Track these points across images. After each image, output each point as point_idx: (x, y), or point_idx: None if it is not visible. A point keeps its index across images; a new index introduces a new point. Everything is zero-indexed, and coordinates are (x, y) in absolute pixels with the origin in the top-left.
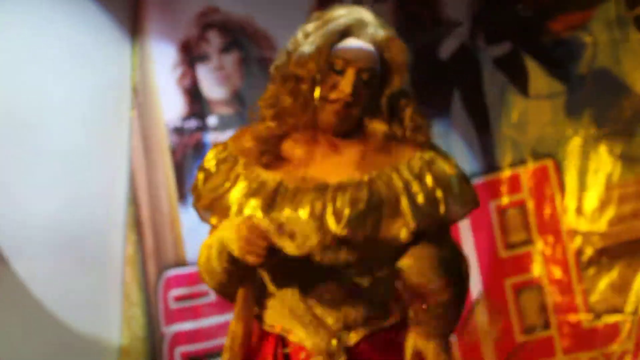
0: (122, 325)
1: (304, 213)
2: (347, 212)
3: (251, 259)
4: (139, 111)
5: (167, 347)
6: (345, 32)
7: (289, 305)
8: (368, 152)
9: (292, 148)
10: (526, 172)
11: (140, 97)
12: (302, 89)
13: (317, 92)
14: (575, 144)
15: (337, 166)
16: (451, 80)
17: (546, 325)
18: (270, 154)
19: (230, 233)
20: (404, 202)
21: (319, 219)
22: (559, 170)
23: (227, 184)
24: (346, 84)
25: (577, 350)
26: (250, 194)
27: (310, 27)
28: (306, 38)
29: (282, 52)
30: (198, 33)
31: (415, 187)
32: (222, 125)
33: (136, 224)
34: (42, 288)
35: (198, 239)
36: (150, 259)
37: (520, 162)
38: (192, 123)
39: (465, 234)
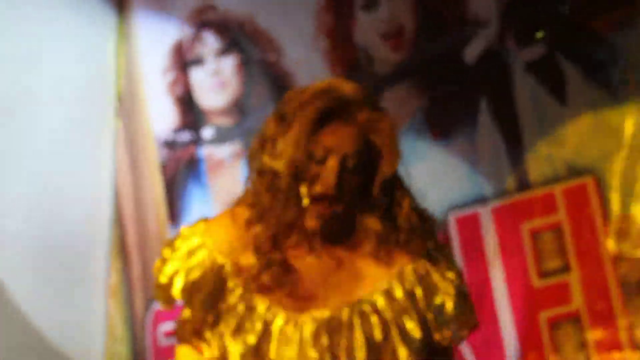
0: None
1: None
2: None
3: None
4: (125, 122)
5: None
6: (325, 115)
7: None
8: (362, 266)
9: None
10: (562, 191)
11: (127, 105)
12: (280, 185)
13: (303, 190)
14: (618, 158)
15: (330, 287)
16: (477, 87)
17: None
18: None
19: None
20: (395, 335)
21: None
22: (600, 188)
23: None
24: (329, 174)
25: None
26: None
27: (284, 108)
28: (281, 122)
29: (255, 138)
30: (192, 33)
31: (406, 314)
32: (220, 138)
33: (121, 249)
34: (12, 318)
35: None
36: (136, 289)
37: (555, 179)
38: (185, 135)
39: (495, 262)
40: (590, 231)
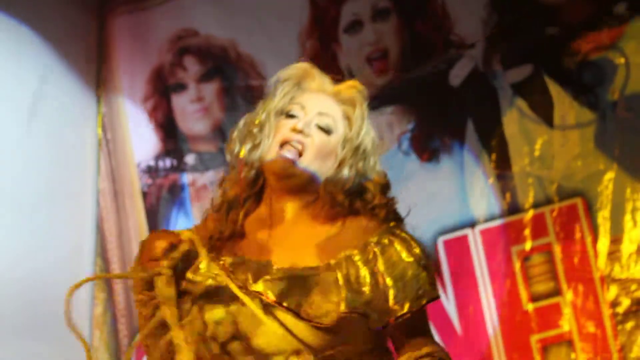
0: None
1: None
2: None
3: None
4: (106, 149)
5: None
6: (300, 84)
7: None
8: (320, 230)
9: (254, 229)
10: (552, 213)
11: (108, 133)
12: (251, 140)
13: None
14: (607, 179)
15: (288, 252)
16: (464, 110)
17: None
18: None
19: None
20: (342, 287)
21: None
22: (590, 209)
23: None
24: (299, 121)
25: None
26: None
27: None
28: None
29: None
30: (173, 59)
31: (362, 276)
32: (202, 165)
33: (105, 280)
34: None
35: None
36: (122, 320)
37: (545, 201)
38: (167, 162)
39: (484, 285)
40: (580, 253)
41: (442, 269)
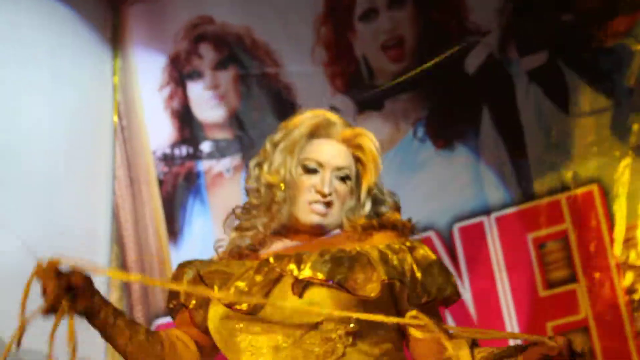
0: None
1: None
2: (313, 258)
3: None
4: (122, 137)
5: None
6: (314, 133)
7: None
8: (346, 242)
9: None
10: (568, 200)
11: (124, 120)
12: (275, 195)
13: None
14: (623, 165)
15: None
16: (479, 97)
17: None
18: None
19: None
20: (379, 263)
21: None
22: (606, 196)
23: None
24: (323, 184)
25: None
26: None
27: (277, 136)
28: (275, 147)
29: (253, 165)
30: (189, 46)
31: (394, 259)
32: (218, 152)
33: (121, 265)
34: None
35: None
36: (137, 306)
37: (560, 188)
38: (183, 150)
39: (500, 272)
40: (596, 240)
41: (457, 256)
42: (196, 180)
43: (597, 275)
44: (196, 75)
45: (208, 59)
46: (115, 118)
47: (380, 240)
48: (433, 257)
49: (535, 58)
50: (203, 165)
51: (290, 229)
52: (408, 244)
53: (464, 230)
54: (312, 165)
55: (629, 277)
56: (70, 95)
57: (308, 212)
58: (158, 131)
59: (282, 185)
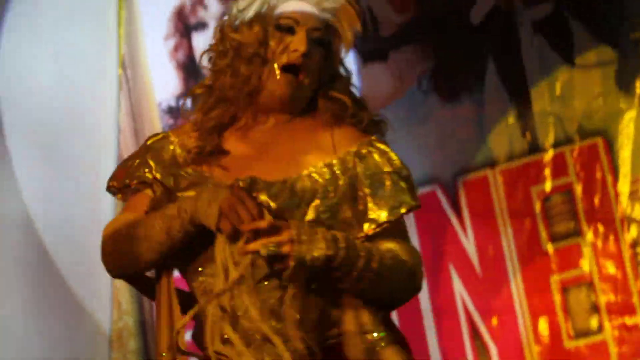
0: (112, 337)
1: None
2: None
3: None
4: (127, 87)
5: None
6: None
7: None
8: (317, 137)
9: (235, 141)
10: (572, 153)
11: (129, 72)
12: (243, 58)
13: (270, 51)
14: (628, 118)
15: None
16: (484, 48)
17: (599, 329)
18: (210, 149)
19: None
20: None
21: None
22: (611, 149)
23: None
24: (300, 41)
25: (635, 358)
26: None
27: (244, 2)
28: (242, 11)
29: (215, 31)
30: None
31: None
32: None
33: None
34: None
35: None
36: None
37: (565, 141)
38: (188, 102)
39: (505, 226)
40: (601, 193)
41: (462, 210)
42: None
43: (601, 229)
44: (201, 26)
45: (213, 9)
46: (120, 69)
47: (340, 135)
48: (386, 169)
49: (540, 8)
50: None
51: (256, 105)
52: (364, 151)
53: (469, 184)
54: (287, 22)
55: (633, 231)
56: (74, 47)
57: (279, 80)
58: (163, 83)
59: (252, 42)
